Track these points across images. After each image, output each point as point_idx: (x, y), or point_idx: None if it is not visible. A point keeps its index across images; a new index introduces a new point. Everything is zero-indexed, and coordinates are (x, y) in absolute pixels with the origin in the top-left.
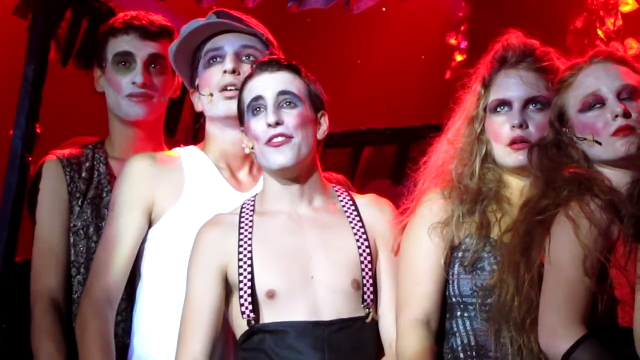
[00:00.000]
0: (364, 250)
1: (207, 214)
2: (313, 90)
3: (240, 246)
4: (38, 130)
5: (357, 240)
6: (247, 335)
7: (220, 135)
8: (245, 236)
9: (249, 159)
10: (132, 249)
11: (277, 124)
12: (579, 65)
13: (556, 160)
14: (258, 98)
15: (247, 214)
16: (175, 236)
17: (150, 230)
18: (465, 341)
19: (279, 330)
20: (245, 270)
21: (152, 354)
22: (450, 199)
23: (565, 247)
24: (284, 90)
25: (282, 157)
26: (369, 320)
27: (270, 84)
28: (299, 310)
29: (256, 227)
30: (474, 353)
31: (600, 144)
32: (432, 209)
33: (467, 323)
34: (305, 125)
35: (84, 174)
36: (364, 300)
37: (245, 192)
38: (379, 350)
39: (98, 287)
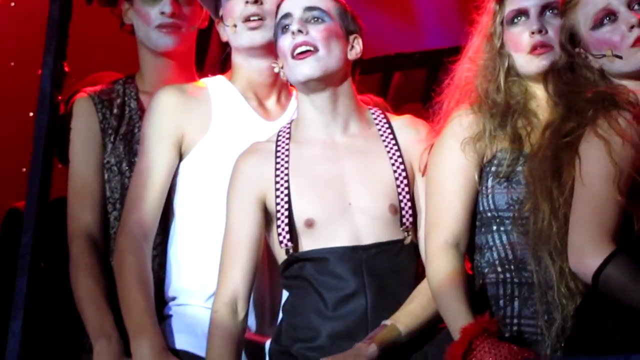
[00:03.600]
0: (399, 174)
1: (236, 144)
2: (345, 12)
3: (277, 175)
4: (66, 69)
5: (393, 165)
6: (287, 263)
7: (247, 65)
8: (282, 165)
9: (276, 87)
10: (164, 182)
11: (300, 31)
12: None
13: (573, 83)
14: (287, 15)
15: (283, 142)
16: (206, 168)
17: (181, 163)
18: (503, 255)
19: (318, 257)
20: (282, 199)
21: (188, 286)
22: (480, 113)
23: (596, 166)
24: (311, 5)
25: (307, 67)
26: (407, 242)
27: (299, 2)
28: (339, 238)
29: (292, 155)
30: (512, 267)
31: (621, 57)
32: (462, 123)
33: (504, 237)
34: (332, 39)
35: (115, 110)
36: (402, 224)
37: (273, 121)
38: (419, 272)
39: (133, 221)
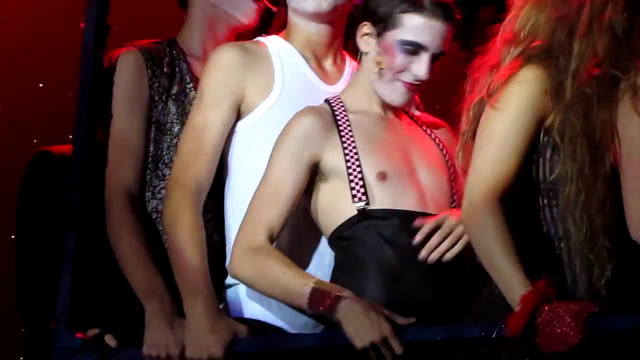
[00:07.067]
0: (445, 154)
1: (297, 106)
2: None
3: (342, 136)
4: (109, 23)
5: (438, 145)
6: (354, 221)
7: (306, 27)
8: (345, 127)
9: (332, 48)
10: (221, 140)
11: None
12: None
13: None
14: (421, 46)
15: (337, 108)
16: (267, 129)
17: (240, 123)
18: (553, 231)
19: (389, 216)
20: (352, 157)
21: None
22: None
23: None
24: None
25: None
26: None
27: (437, 40)
28: (409, 195)
29: (352, 120)
30: (562, 244)
31: None
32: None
33: (555, 212)
34: None
35: (165, 69)
36: (453, 201)
37: (332, 84)
38: None
39: (188, 176)
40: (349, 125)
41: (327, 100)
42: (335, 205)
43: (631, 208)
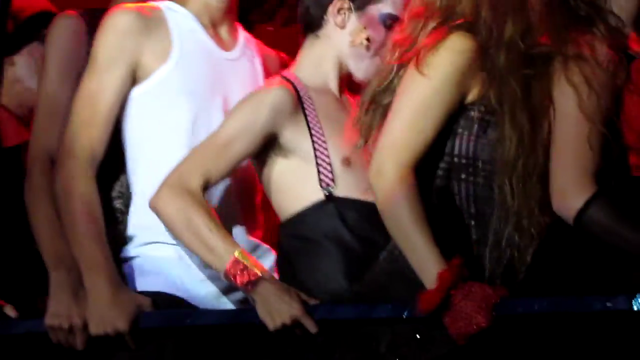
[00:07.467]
0: None
1: (196, 73)
2: None
3: (307, 115)
4: None
5: None
6: (319, 206)
7: None
8: (309, 106)
9: (228, 15)
10: (115, 106)
11: None
12: None
13: None
14: (398, 19)
15: (300, 86)
16: (164, 95)
17: (136, 89)
18: (465, 206)
19: (353, 205)
20: (318, 139)
21: (149, 222)
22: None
23: (577, 98)
24: None
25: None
26: None
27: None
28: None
29: (314, 99)
30: (472, 222)
31: None
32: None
33: (471, 188)
34: None
35: None
36: None
37: (229, 51)
38: None
39: (82, 145)
40: (312, 104)
41: (284, 77)
42: (297, 187)
43: (556, 178)
